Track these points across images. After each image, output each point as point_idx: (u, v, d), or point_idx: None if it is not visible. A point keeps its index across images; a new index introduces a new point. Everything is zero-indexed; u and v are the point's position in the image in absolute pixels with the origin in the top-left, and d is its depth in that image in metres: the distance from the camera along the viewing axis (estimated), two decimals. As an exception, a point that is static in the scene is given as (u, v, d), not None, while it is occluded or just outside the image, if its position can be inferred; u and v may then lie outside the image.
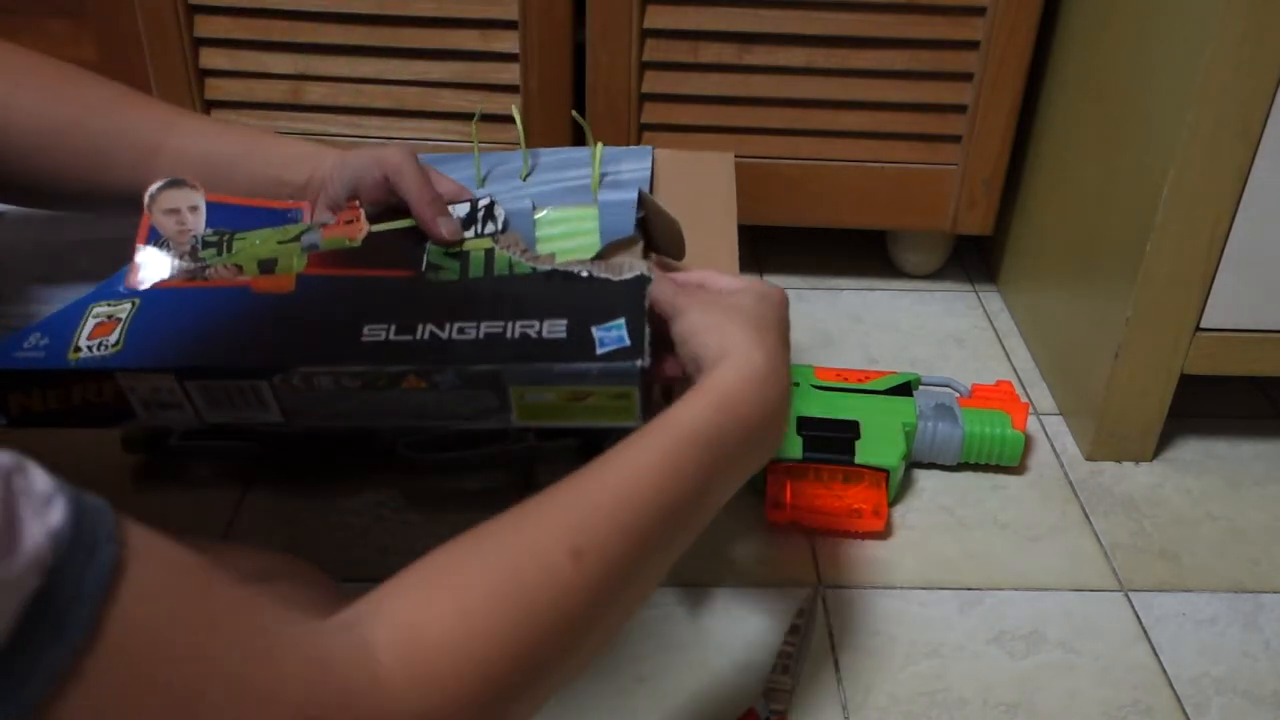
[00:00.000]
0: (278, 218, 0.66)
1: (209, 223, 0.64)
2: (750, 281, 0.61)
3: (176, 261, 0.63)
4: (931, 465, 0.89)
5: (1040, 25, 0.98)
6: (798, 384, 0.89)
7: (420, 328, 0.59)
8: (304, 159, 0.67)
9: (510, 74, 1.01)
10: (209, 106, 1.04)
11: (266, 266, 0.63)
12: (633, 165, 0.77)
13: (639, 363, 0.56)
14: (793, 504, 0.81)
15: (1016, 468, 0.89)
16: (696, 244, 0.73)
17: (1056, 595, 0.78)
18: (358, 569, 0.76)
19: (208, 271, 0.63)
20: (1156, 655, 0.74)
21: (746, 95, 1.02)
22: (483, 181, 0.76)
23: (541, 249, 0.68)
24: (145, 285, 0.63)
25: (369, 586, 0.41)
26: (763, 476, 0.83)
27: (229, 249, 0.64)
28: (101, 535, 0.29)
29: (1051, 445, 0.93)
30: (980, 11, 0.97)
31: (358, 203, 0.66)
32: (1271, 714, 0.70)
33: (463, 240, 0.65)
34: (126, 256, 0.64)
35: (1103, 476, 0.90)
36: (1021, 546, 0.82)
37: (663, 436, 0.49)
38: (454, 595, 0.40)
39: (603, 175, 0.75)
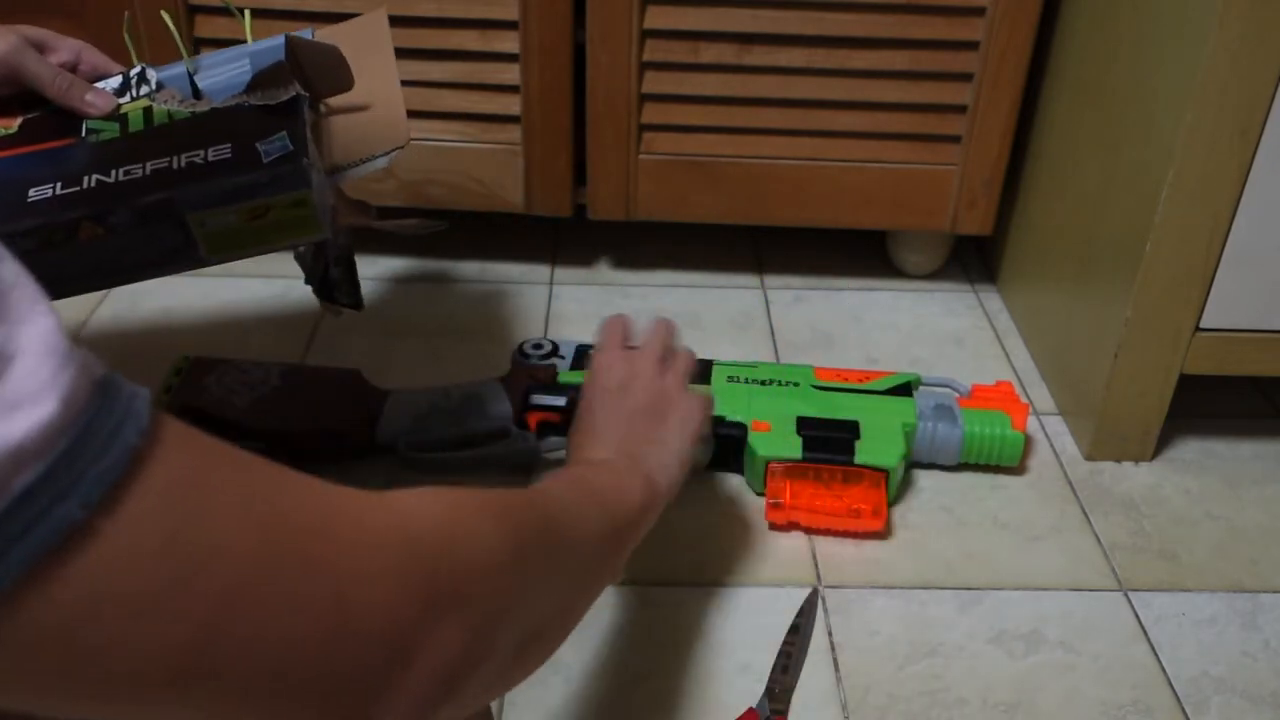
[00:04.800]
0: None
1: None
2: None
3: None
4: (931, 465, 0.89)
5: (1040, 25, 0.99)
6: (798, 384, 0.89)
7: (86, 179, 0.60)
8: None
9: (510, 74, 1.01)
10: (209, 106, 1.04)
11: None
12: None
13: (305, 161, 0.60)
14: (793, 504, 0.81)
15: (1016, 468, 0.89)
16: (364, 85, 0.74)
17: (1056, 595, 0.78)
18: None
19: None
20: (1156, 655, 0.74)
21: (746, 95, 1.02)
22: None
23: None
24: None
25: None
26: (763, 477, 0.83)
27: None
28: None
29: (1051, 445, 0.93)
30: (980, 11, 0.97)
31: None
32: (1270, 714, 0.70)
33: (118, 107, 0.66)
34: None
35: (1102, 476, 0.90)
36: (1021, 546, 0.82)
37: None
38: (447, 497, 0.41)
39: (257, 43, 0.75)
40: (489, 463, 0.85)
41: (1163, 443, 0.92)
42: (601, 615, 0.74)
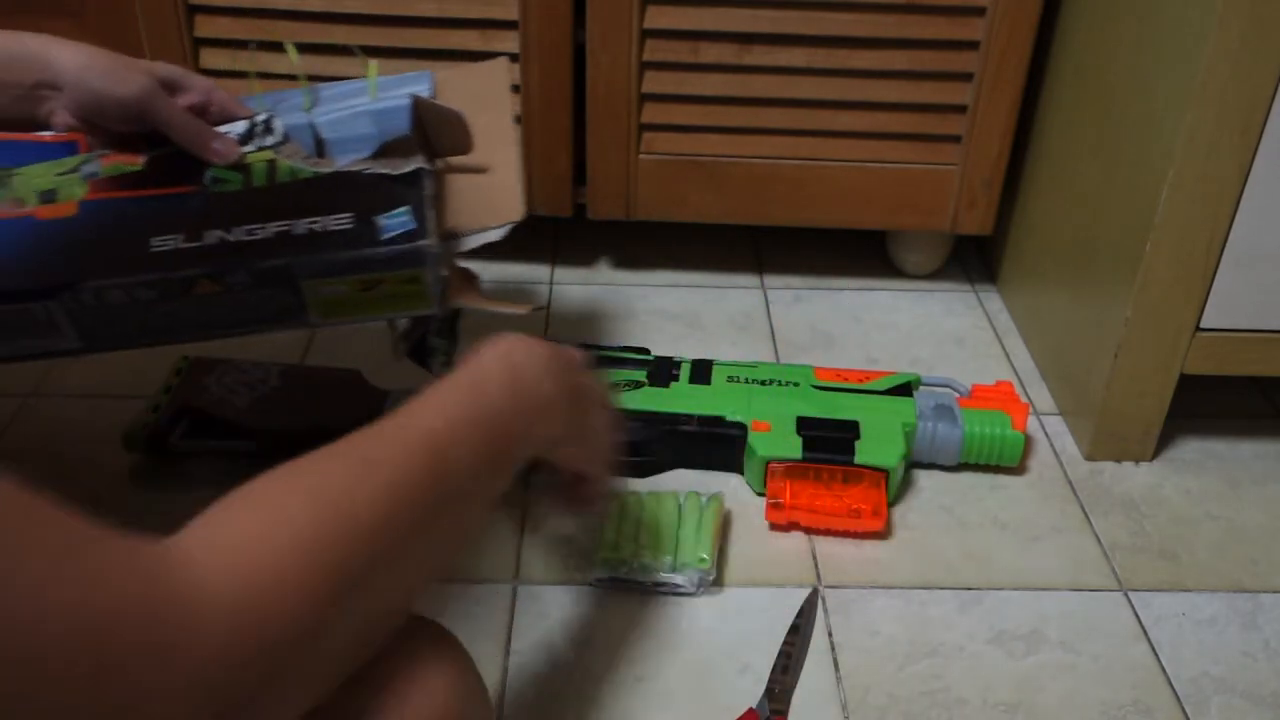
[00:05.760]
0: (52, 151, 0.66)
1: None
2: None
3: None
4: (931, 465, 0.89)
5: (1040, 25, 0.99)
6: (798, 384, 0.89)
7: (208, 234, 0.61)
8: (29, 61, 0.64)
9: (510, 74, 1.01)
10: (209, 106, 1.04)
11: (47, 198, 0.64)
12: (412, 89, 0.76)
13: (424, 243, 0.60)
14: (793, 504, 0.81)
15: (1016, 468, 0.89)
16: (479, 143, 0.74)
17: (1056, 595, 0.78)
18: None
19: None
20: (1156, 655, 0.74)
21: (746, 95, 1.02)
22: None
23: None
24: None
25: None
26: (763, 477, 0.83)
27: (5, 185, 0.65)
28: None
29: (1051, 445, 0.93)
30: (980, 11, 0.97)
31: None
32: (1271, 714, 0.70)
33: (242, 157, 0.66)
34: None
35: (1102, 476, 0.90)
36: (1021, 546, 0.82)
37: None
38: (271, 506, 0.42)
39: (381, 98, 0.74)
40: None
41: (1163, 443, 0.92)
42: (602, 615, 0.74)
